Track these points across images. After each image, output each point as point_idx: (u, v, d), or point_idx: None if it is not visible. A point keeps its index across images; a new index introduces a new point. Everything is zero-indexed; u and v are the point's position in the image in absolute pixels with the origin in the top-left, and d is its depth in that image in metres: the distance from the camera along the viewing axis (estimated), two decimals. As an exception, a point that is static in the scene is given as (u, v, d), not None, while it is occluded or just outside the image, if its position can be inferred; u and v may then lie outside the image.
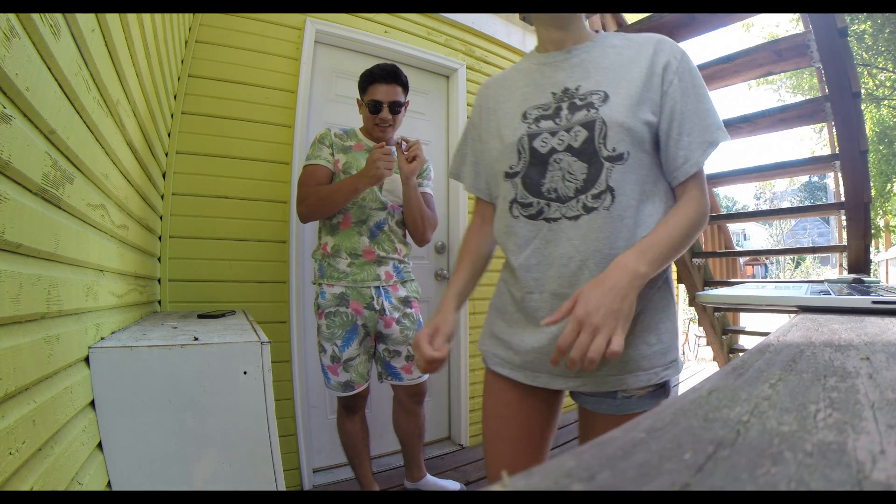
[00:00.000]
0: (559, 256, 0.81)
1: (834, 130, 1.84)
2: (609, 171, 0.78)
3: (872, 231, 2.83)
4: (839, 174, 1.90)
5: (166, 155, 1.85)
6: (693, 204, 0.80)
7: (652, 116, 0.79)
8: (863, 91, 4.97)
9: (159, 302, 1.80)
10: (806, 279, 2.73)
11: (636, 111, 0.78)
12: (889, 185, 8.88)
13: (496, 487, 0.12)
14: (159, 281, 1.81)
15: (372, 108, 1.68)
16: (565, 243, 0.80)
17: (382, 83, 1.67)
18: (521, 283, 0.85)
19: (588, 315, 0.67)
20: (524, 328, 0.87)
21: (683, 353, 5.81)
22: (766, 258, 18.24)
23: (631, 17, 2.53)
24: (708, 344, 3.02)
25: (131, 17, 1.09)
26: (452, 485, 1.98)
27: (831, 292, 0.79)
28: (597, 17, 2.46)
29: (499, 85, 0.95)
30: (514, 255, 0.87)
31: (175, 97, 1.88)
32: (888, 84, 9.29)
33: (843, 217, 1.91)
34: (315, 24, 2.19)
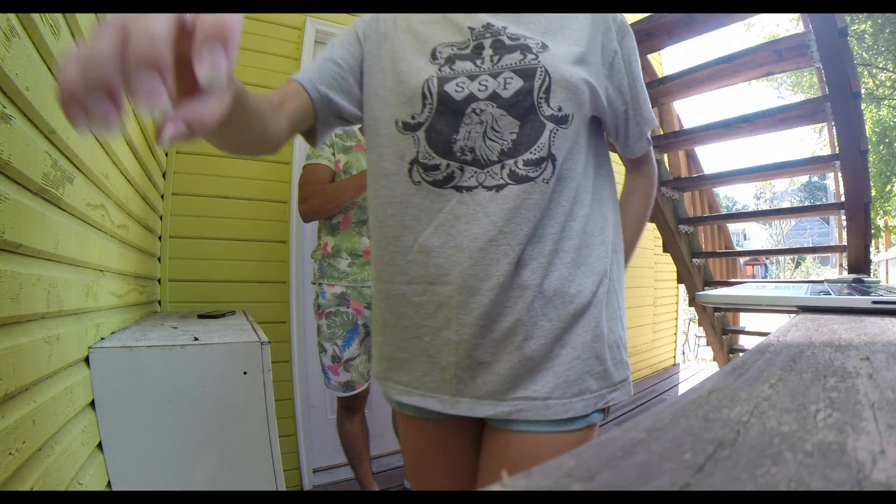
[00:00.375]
0: (474, 238, 0.62)
1: (834, 130, 1.84)
2: (553, 134, 0.63)
3: (872, 231, 2.84)
4: (839, 174, 1.90)
5: (166, 155, 1.85)
6: (651, 184, 0.82)
7: (591, 78, 0.67)
8: (863, 91, 4.98)
9: (159, 302, 1.80)
10: (806, 279, 2.74)
11: (579, 68, 0.65)
12: (889, 185, 8.89)
13: (496, 487, 0.12)
14: (159, 281, 1.81)
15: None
16: (483, 220, 0.62)
17: None
18: (418, 272, 0.66)
19: None
20: (432, 336, 0.66)
21: (683, 353, 5.81)
22: (766, 258, 18.24)
23: (630, 17, 2.53)
24: (708, 344, 3.02)
25: (131, 17, 1.09)
26: (452, 485, 1.98)
27: (831, 292, 0.79)
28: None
29: (396, 14, 0.72)
30: (408, 233, 0.66)
31: (175, 97, 1.88)
32: (888, 84, 9.30)
33: (843, 217, 1.91)
34: (315, 24, 2.19)
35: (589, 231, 0.68)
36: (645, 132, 0.75)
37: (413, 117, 0.65)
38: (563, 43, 0.66)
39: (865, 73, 9.09)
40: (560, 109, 0.63)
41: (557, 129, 0.63)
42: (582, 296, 0.65)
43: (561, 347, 0.64)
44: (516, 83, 0.63)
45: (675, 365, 5.13)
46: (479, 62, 0.65)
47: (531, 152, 0.63)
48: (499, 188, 0.62)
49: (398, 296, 0.68)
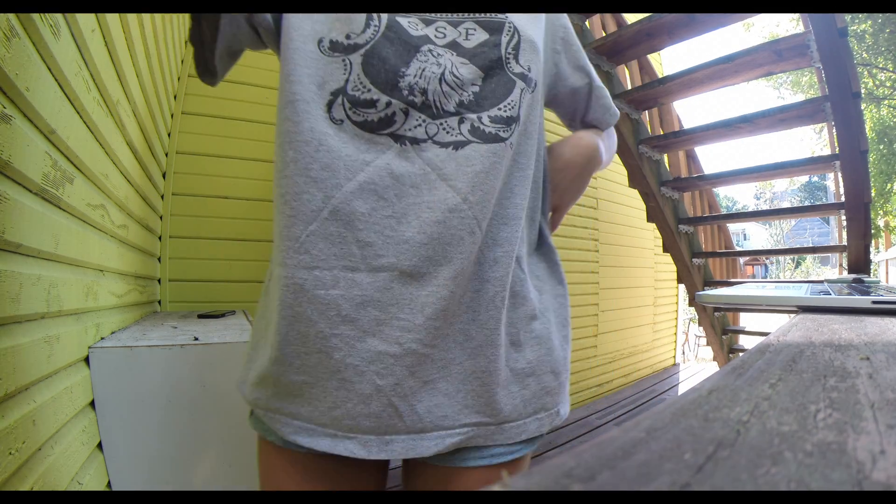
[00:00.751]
0: (427, 206, 0.47)
1: (834, 130, 1.84)
2: (523, 94, 0.52)
3: (872, 231, 2.84)
4: (839, 174, 1.90)
5: (166, 155, 1.85)
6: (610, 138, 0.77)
7: (550, 55, 0.61)
8: (863, 91, 4.98)
9: (159, 302, 1.80)
10: (806, 279, 2.74)
11: (544, 38, 0.59)
12: (889, 185, 8.90)
13: (496, 487, 0.12)
14: (159, 281, 1.81)
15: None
16: (440, 186, 0.47)
17: None
18: (326, 252, 0.46)
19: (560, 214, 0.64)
20: (347, 350, 0.46)
21: (683, 353, 5.81)
22: (766, 258, 18.25)
23: (630, 17, 2.53)
24: (708, 344, 3.02)
25: (131, 17, 1.09)
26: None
27: (831, 292, 0.79)
28: (596, 18, 2.46)
29: None
30: (314, 189, 0.47)
31: (175, 97, 1.88)
32: (888, 84, 9.31)
33: (843, 217, 1.91)
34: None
35: (536, 225, 0.59)
36: (608, 106, 0.69)
37: (349, 36, 0.48)
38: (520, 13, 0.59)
39: (865, 73, 9.10)
40: (529, 70, 0.53)
41: (526, 91, 0.52)
42: (534, 297, 0.55)
43: (515, 360, 0.53)
44: (480, 35, 0.51)
45: (675, 365, 5.14)
46: None
47: (500, 109, 0.50)
48: (458, 146, 0.48)
49: (293, 287, 0.47)
